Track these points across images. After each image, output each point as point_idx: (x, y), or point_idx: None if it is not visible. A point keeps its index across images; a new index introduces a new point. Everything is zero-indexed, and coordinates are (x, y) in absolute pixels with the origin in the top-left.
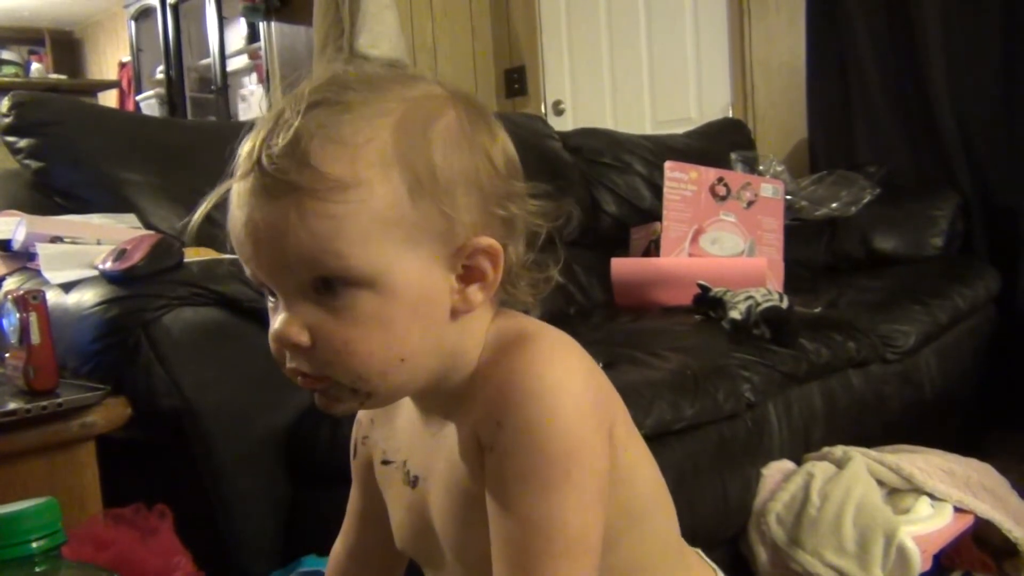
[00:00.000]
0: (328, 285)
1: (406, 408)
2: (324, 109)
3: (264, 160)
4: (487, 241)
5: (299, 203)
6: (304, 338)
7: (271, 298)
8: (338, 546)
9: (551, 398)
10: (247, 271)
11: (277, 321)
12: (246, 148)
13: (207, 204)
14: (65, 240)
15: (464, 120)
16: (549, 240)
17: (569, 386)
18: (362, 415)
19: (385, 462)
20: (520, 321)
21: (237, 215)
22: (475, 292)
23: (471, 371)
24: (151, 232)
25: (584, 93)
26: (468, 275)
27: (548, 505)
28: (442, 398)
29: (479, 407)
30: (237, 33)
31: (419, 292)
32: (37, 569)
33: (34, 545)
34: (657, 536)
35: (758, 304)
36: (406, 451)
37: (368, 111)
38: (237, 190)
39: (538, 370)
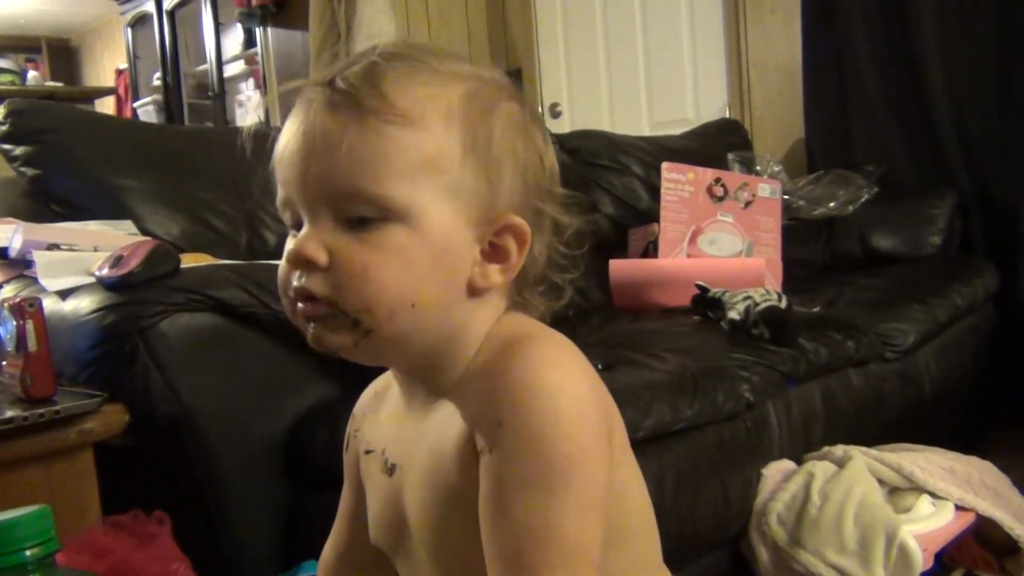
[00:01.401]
0: (364, 218)
1: (392, 398)
2: (405, 60)
3: (338, 80)
4: (519, 220)
5: (362, 119)
6: (322, 255)
7: (293, 234)
8: (327, 551)
9: (553, 401)
10: (280, 197)
11: (295, 240)
12: (318, 74)
13: (272, 94)
14: (62, 247)
15: (526, 116)
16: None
17: (571, 389)
18: (357, 409)
19: (367, 451)
20: (522, 322)
21: (293, 130)
22: (495, 272)
23: (467, 363)
24: (148, 239)
25: (581, 95)
26: (492, 253)
27: (547, 512)
28: (431, 384)
29: (474, 403)
30: (234, 39)
31: (446, 242)
32: None
33: (28, 553)
34: (641, 557)
35: (757, 304)
36: (386, 439)
37: (444, 71)
38: (298, 109)
39: (540, 371)
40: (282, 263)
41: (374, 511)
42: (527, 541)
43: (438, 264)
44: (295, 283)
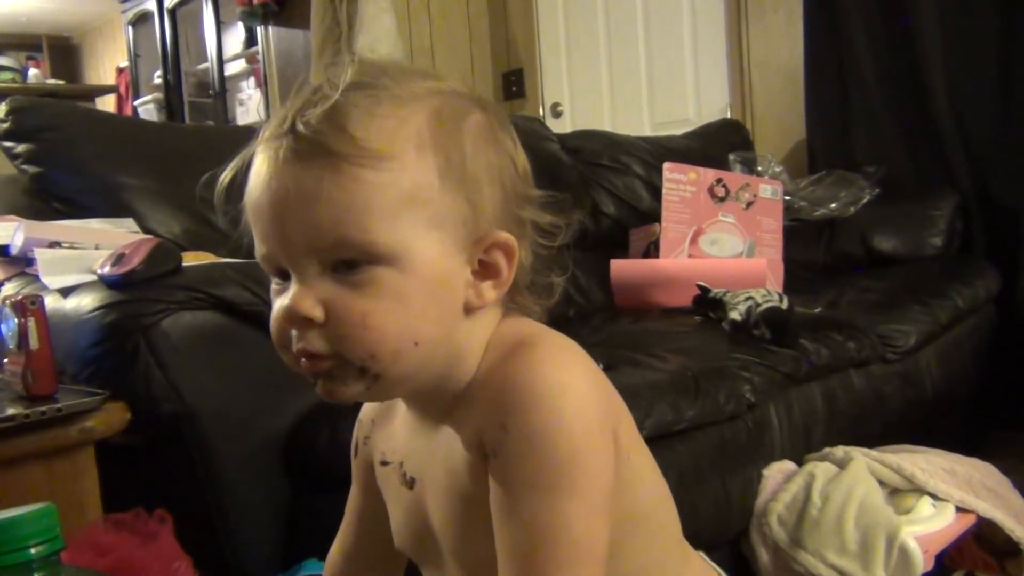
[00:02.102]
0: (349, 260)
1: (403, 409)
2: (362, 90)
3: (300, 126)
4: (505, 236)
5: (335, 167)
6: (317, 312)
7: (277, 282)
8: (334, 551)
9: (555, 401)
10: (260, 252)
11: (287, 296)
12: (276, 118)
13: (233, 166)
14: (63, 245)
15: (493, 122)
16: (556, 248)
17: (573, 390)
18: (364, 415)
19: (384, 463)
20: (523, 325)
21: (263, 184)
22: (488, 289)
23: (471, 375)
24: (149, 237)
25: (582, 95)
26: (483, 271)
27: (553, 511)
28: (439, 402)
29: (481, 410)
30: (235, 37)
31: (438, 274)
32: (36, 575)
33: (32, 551)
34: (660, 541)
35: (758, 305)
36: (403, 452)
37: (404, 95)
38: (264, 159)
39: (542, 373)
40: (276, 318)
41: (397, 521)
42: (535, 541)
43: (433, 297)
44: (295, 343)
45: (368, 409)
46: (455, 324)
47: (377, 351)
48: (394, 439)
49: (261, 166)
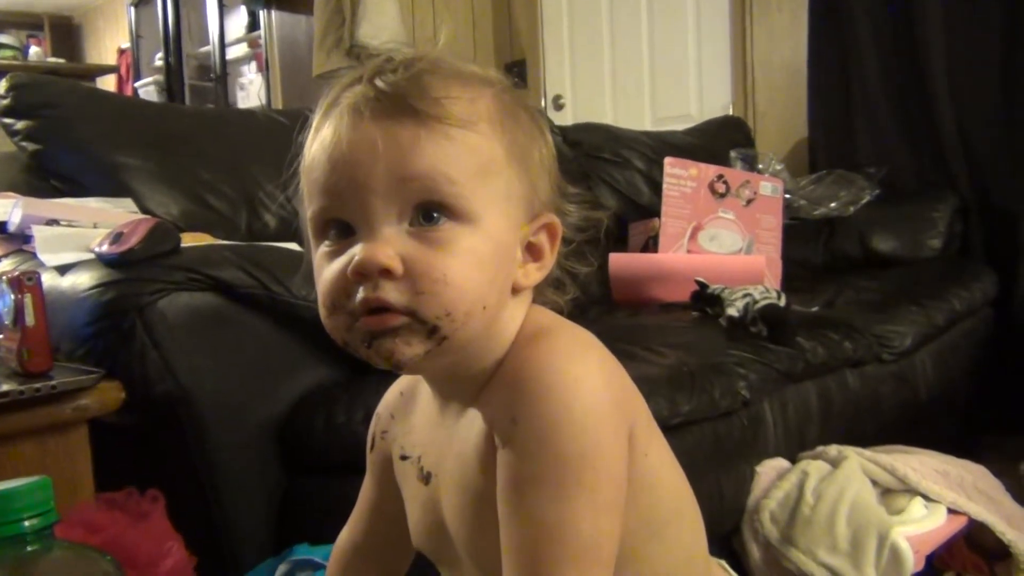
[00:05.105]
0: (431, 214)
1: (423, 403)
2: (431, 68)
3: (386, 87)
4: (555, 218)
5: (425, 124)
6: (397, 263)
7: (328, 244)
8: (343, 539)
9: (567, 395)
10: (320, 205)
11: (360, 249)
12: (339, 86)
13: (315, 123)
14: (61, 223)
15: (537, 119)
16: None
17: (586, 383)
18: (382, 409)
19: (403, 457)
20: (543, 316)
21: (344, 137)
22: (533, 271)
23: (499, 359)
24: (148, 216)
25: (584, 88)
26: (528, 253)
27: (560, 509)
28: (467, 383)
29: (496, 399)
30: (237, 21)
31: (503, 245)
32: (29, 548)
33: (26, 524)
34: (681, 548)
35: (756, 302)
36: (421, 447)
37: (470, 78)
38: (342, 117)
39: (554, 365)
40: (335, 275)
41: (414, 518)
42: (540, 539)
43: (500, 266)
44: (364, 294)
45: (386, 403)
46: (506, 299)
47: (453, 309)
48: (414, 432)
49: (342, 119)
